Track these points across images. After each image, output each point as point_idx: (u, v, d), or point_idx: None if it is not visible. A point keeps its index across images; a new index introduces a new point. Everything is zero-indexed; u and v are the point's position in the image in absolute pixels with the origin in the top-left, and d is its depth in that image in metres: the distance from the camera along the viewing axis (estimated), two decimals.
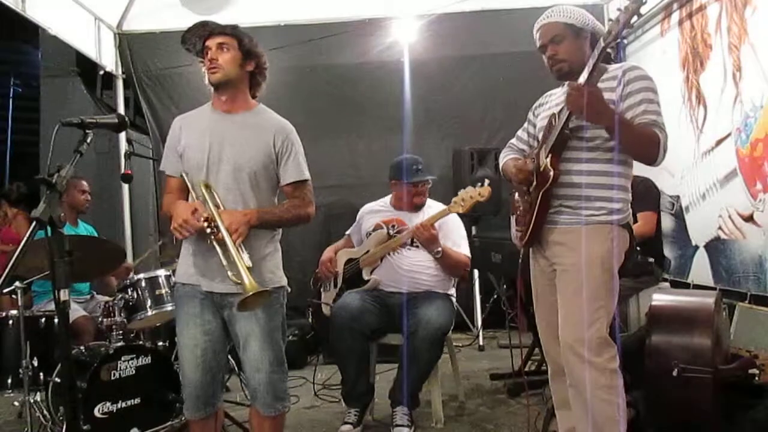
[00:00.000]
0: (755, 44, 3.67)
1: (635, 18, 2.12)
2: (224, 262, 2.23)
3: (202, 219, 2.26)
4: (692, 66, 4.39)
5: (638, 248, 4.45)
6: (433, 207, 3.66)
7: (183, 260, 2.49)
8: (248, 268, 2.18)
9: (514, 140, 2.78)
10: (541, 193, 2.36)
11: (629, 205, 2.43)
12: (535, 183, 2.41)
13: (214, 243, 2.26)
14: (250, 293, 2.12)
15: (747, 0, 3.73)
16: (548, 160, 2.34)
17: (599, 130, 2.31)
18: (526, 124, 2.73)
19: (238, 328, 2.39)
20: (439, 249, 3.43)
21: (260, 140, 2.42)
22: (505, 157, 2.72)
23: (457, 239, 3.57)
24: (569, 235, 2.37)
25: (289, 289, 2.52)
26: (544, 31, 2.44)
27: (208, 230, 2.25)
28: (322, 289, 3.85)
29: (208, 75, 2.41)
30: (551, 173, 2.32)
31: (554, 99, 2.56)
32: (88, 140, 1.80)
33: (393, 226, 3.60)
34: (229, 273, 2.20)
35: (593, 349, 2.28)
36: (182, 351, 2.43)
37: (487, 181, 3.41)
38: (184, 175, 2.43)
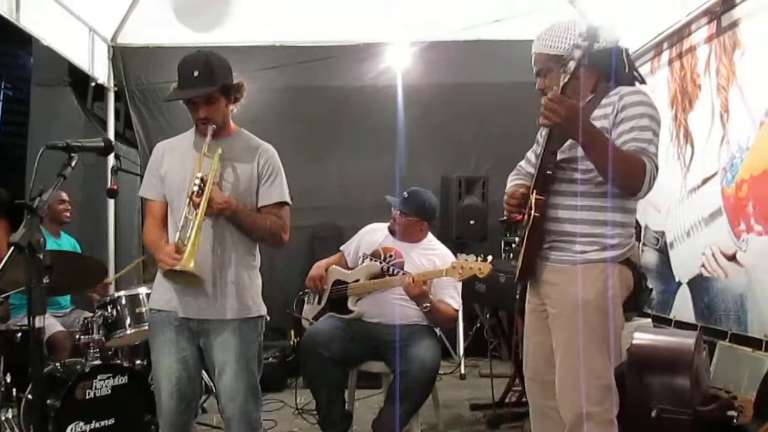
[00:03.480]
0: (743, 87, 3.72)
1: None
2: (181, 223, 2.26)
3: (198, 175, 2.26)
4: (681, 105, 4.43)
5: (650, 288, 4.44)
6: (433, 244, 3.60)
7: (158, 287, 2.47)
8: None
9: (522, 162, 2.60)
10: (526, 232, 2.26)
11: (631, 239, 2.29)
12: (525, 218, 2.29)
13: (186, 203, 2.28)
14: (179, 269, 2.18)
15: (736, 43, 3.79)
16: (533, 198, 2.22)
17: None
18: (534, 145, 2.53)
19: (213, 357, 2.37)
20: (428, 305, 3.31)
21: (243, 162, 2.43)
22: (511, 182, 2.57)
23: (450, 291, 3.46)
24: (560, 275, 2.25)
25: (268, 318, 2.51)
26: (534, 60, 2.33)
27: (196, 187, 2.25)
28: (306, 300, 3.74)
29: (199, 127, 2.42)
30: (531, 214, 2.21)
31: None
32: (73, 164, 1.78)
33: (391, 256, 3.51)
34: (177, 235, 2.26)
35: (591, 399, 2.16)
36: (157, 379, 2.42)
37: (490, 258, 3.25)
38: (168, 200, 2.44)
